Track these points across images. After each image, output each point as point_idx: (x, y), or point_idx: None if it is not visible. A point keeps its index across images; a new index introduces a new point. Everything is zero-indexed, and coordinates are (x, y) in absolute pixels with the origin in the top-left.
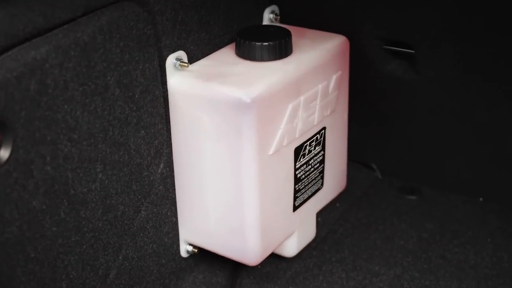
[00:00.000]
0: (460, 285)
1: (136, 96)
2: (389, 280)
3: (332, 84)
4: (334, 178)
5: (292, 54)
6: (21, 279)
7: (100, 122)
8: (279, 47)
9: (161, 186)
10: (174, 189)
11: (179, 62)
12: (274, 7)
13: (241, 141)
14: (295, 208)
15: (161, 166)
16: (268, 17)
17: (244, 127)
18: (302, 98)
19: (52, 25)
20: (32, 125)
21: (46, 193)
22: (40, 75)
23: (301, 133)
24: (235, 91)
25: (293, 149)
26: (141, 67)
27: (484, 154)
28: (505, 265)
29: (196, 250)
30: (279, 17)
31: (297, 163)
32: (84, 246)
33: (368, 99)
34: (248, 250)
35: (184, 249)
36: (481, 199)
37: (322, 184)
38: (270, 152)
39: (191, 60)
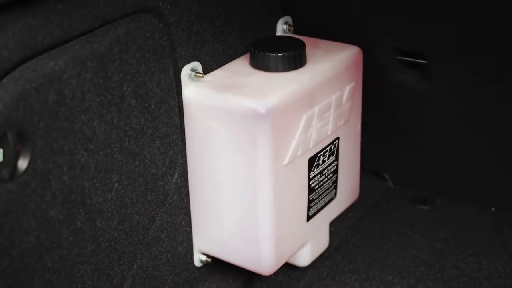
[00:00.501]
0: None
1: (152, 106)
2: None
3: (345, 95)
4: (347, 188)
5: (306, 65)
6: None
7: (117, 132)
8: (293, 58)
9: (175, 196)
10: (188, 199)
11: (194, 72)
12: (287, 18)
13: (256, 151)
14: (308, 218)
15: (176, 176)
16: (281, 28)
17: (259, 137)
18: (316, 108)
19: (70, 36)
20: (50, 135)
21: (63, 203)
22: (58, 86)
23: (315, 143)
24: (250, 102)
25: (307, 159)
26: (156, 78)
27: (497, 164)
28: None
29: (209, 260)
30: (292, 28)
31: (311, 173)
32: (100, 256)
33: (381, 109)
34: (262, 260)
35: (198, 259)
36: (493, 208)
37: (335, 194)
38: (285, 162)
39: (206, 71)
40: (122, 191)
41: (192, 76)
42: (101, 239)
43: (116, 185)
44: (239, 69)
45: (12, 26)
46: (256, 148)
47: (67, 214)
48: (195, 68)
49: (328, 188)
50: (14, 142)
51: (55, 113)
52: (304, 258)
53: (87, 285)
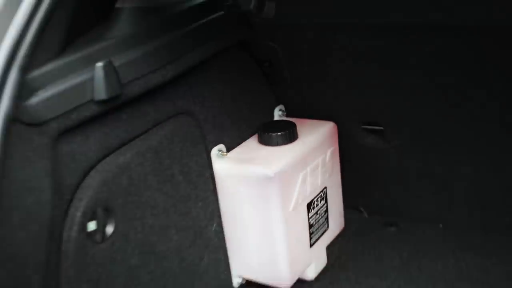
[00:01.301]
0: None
1: (193, 179)
2: None
3: (328, 157)
4: (336, 221)
5: (298, 139)
6: None
7: (171, 200)
8: (288, 135)
9: (215, 239)
10: (225, 240)
11: (220, 152)
12: (281, 106)
13: (269, 204)
14: (311, 245)
15: (214, 225)
16: (277, 113)
17: (271, 194)
18: (308, 168)
19: (133, 136)
20: (126, 207)
21: (139, 253)
22: (128, 172)
23: (310, 193)
24: (262, 169)
25: (306, 205)
26: (195, 159)
27: (439, 193)
28: (465, 271)
29: (244, 281)
30: (285, 113)
31: (309, 214)
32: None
33: (353, 164)
34: (281, 277)
35: (236, 282)
36: (441, 225)
37: (327, 226)
38: (290, 209)
39: (228, 150)
40: (179, 240)
41: (219, 155)
42: (167, 276)
43: (175, 237)
44: (251, 146)
45: (93, 135)
46: (269, 202)
47: (143, 261)
48: (220, 149)
49: (323, 223)
50: (103, 215)
51: (128, 191)
52: (310, 273)
53: None
